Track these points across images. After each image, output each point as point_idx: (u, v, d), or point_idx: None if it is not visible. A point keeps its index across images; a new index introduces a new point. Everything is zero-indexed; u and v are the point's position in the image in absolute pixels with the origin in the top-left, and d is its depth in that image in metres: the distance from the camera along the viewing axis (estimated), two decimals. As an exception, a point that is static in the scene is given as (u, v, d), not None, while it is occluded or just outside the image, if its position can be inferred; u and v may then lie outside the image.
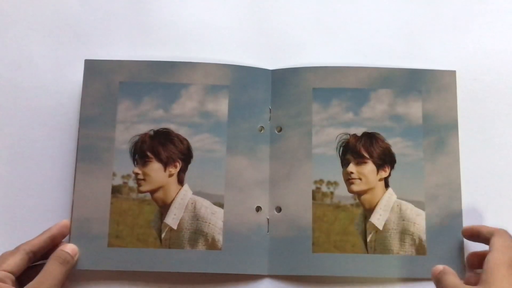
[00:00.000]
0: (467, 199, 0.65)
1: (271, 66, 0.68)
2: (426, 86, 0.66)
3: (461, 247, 0.63)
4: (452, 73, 0.67)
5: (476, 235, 0.60)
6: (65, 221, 0.63)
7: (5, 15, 0.70)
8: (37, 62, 0.69)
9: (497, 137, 0.67)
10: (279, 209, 0.65)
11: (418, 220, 0.64)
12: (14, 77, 0.69)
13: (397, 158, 0.65)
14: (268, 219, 0.65)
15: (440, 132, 0.66)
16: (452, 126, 0.66)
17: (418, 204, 0.64)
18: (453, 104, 0.66)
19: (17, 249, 0.59)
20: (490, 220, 0.65)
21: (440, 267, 0.58)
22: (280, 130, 0.66)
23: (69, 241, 0.63)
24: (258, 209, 0.65)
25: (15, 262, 0.58)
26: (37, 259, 0.60)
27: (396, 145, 0.65)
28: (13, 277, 0.57)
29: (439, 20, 0.70)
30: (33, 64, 0.69)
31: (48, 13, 0.70)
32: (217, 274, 0.63)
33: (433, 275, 0.58)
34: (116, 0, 0.71)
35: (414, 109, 0.66)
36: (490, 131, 0.67)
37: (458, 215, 0.64)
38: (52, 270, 0.58)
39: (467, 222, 0.64)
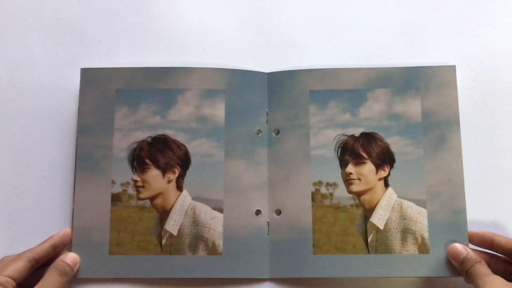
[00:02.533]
0: (471, 195, 0.64)
1: (267, 69, 0.68)
2: (425, 83, 0.66)
3: (466, 244, 0.62)
4: (452, 68, 0.66)
5: (488, 243, 0.60)
6: (67, 229, 0.63)
7: (5, 16, 0.71)
8: (36, 64, 0.69)
9: (501, 132, 0.66)
10: (279, 212, 0.64)
11: (420, 219, 0.63)
12: (13, 79, 0.69)
13: (397, 157, 0.64)
14: (268, 222, 0.64)
15: (440, 128, 0.65)
16: (453, 122, 0.65)
17: (420, 202, 0.63)
18: (454, 99, 0.65)
19: (20, 255, 0.60)
20: (495, 217, 0.64)
21: (461, 249, 0.59)
22: (278, 133, 0.66)
23: (70, 250, 0.63)
24: (258, 212, 0.65)
25: (18, 268, 0.58)
26: (38, 266, 0.61)
27: (395, 144, 0.65)
28: (14, 283, 0.58)
29: (439, 17, 0.70)
30: (32, 65, 0.69)
31: (48, 14, 0.70)
32: (219, 279, 0.63)
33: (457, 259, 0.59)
34: (116, 3, 0.71)
35: (412, 107, 0.65)
36: (493, 125, 0.67)
37: (462, 211, 0.63)
38: (51, 280, 0.59)
39: (472, 218, 0.63)
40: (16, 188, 0.66)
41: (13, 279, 0.58)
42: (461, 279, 0.61)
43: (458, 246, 0.61)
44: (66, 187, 0.66)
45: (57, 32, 0.70)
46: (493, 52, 0.69)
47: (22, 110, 0.68)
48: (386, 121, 0.65)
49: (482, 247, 0.61)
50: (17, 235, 0.65)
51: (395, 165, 0.64)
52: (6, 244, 0.65)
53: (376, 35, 0.70)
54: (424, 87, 0.66)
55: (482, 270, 0.57)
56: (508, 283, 0.55)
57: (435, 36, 0.69)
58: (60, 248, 0.62)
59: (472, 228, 0.62)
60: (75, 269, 0.62)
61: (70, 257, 0.62)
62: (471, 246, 0.62)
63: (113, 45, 0.70)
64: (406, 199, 0.64)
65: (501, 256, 0.60)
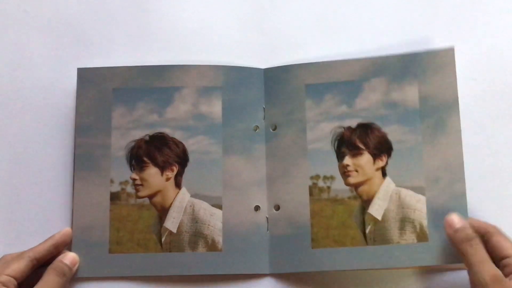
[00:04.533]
0: (471, 180, 0.62)
1: (263, 65, 0.68)
2: (421, 68, 0.64)
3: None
4: (450, 50, 0.64)
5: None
6: (67, 229, 0.64)
7: (5, 16, 0.72)
8: (34, 63, 0.70)
9: (501, 115, 0.65)
10: (277, 207, 0.64)
11: (419, 206, 0.62)
12: (12, 78, 0.70)
13: (394, 146, 0.63)
14: (267, 218, 0.64)
15: (439, 112, 0.63)
16: (452, 105, 0.63)
17: (418, 190, 0.62)
18: (452, 81, 0.63)
19: (22, 254, 0.60)
20: (496, 201, 0.63)
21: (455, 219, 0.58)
22: (275, 128, 0.66)
23: (70, 249, 0.63)
24: (257, 208, 0.64)
25: (19, 268, 0.58)
26: (39, 265, 0.61)
27: (393, 132, 0.64)
28: (15, 282, 0.58)
29: (438, 14, 0.69)
30: (30, 65, 0.70)
31: (46, 14, 0.71)
32: (219, 276, 0.63)
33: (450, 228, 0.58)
34: (113, 2, 0.72)
35: (410, 93, 0.64)
36: (493, 109, 0.65)
37: (462, 196, 0.61)
38: (49, 281, 0.59)
39: (472, 203, 0.61)
40: (15, 187, 0.67)
41: (14, 278, 0.58)
42: (459, 266, 0.60)
43: (455, 217, 0.59)
44: (65, 186, 0.67)
45: (55, 32, 0.71)
46: (494, 33, 0.68)
47: (20, 110, 0.69)
48: (383, 110, 0.64)
49: None
50: (16, 234, 0.66)
51: (392, 154, 0.63)
52: (5, 244, 0.65)
53: (372, 31, 0.69)
54: (421, 72, 0.64)
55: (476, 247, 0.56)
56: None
57: (435, 33, 0.68)
58: (61, 248, 0.63)
59: (472, 213, 0.61)
60: (74, 269, 0.62)
61: (69, 257, 0.62)
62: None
63: (110, 44, 0.70)
64: (405, 187, 0.62)
65: None
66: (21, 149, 0.68)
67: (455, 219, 0.58)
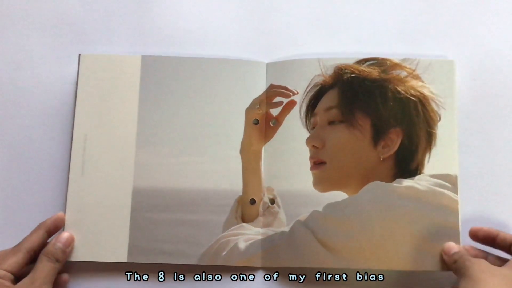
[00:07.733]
0: (467, 193, 0.64)
1: (266, 59, 0.68)
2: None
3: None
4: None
5: (492, 238, 0.60)
6: (60, 213, 0.63)
7: (5, 15, 0.70)
8: (35, 61, 0.69)
9: (500, 130, 0.66)
10: (272, 201, 0.65)
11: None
12: (13, 76, 0.69)
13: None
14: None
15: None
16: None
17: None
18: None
19: (18, 248, 0.59)
20: (488, 218, 0.64)
21: (454, 246, 0.59)
22: (275, 122, 0.66)
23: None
24: (252, 202, 0.65)
25: (17, 262, 0.58)
26: (36, 255, 0.60)
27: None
28: (12, 277, 0.58)
29: (439, 15, 0.69)
30: (31, 63, 0.69)
31: (48, 13, 0.70)
32: (213, 266, 0.64)
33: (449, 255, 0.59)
34: (116, 1, 0.70)
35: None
36: (492, 124, 0.67)
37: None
38: (41, 269, 0.58)
39: (467, 215, 0.63)
40: (14, 184, 0.67)
41: (12, 272, 0.58)
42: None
43: (452, 243, 0.60)
44: (64, 183, 0.66)
45: (55, 31, 0.70)
46: (493, 51, 0.68)
47: (20, 109, 0.68)
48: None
49: (485, 243, 0.60)
50: (15, 231, 0.64)
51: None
52: (4, 241, 0.63)
53: (375, 32, 0.69)
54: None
55: (469, 256, 0.58)
56: (492, 265, 0.56)
57: (435, 35, 0.69)
58: (53, 233, 0.62)
59: (467, 224, 0.62)
60: (69, 249, 0.61)
61: (62, 239, 0.61)
62: (473, 242, 0.61)
63: (110, 43, 0.69)
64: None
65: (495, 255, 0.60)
66: (21, 148, 0.67)
67: (452, 244, 0.60)
